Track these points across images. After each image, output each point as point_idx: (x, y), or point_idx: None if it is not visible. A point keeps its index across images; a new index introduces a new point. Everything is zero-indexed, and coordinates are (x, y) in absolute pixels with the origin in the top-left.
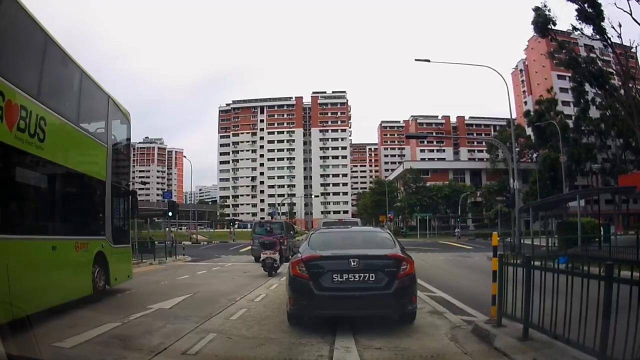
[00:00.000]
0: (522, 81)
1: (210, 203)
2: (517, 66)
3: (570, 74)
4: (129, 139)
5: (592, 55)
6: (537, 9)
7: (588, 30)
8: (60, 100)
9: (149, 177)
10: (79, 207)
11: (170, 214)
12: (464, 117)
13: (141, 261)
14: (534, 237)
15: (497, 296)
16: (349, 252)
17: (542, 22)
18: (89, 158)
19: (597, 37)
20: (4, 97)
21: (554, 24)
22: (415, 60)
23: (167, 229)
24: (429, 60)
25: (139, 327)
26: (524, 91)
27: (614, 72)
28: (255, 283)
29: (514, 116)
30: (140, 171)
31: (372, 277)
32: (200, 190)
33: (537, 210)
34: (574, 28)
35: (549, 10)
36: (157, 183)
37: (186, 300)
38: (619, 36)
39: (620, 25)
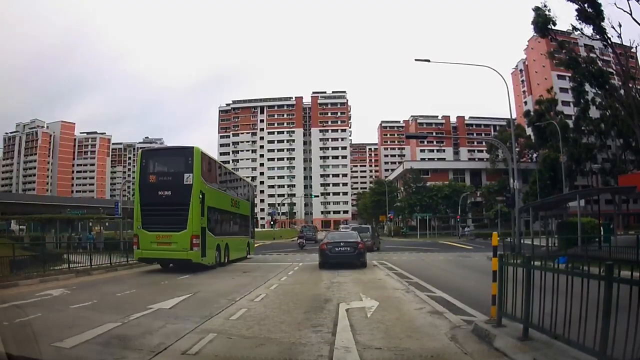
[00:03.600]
0: (522, 81)
1: None
2: (517, 66)
3: (570, 74)
4: (254, 195)
5: (592, 55)
6: (537, 9)
7: (588, 30)
8: (242, 194)
9: None
10: (245, 226)
11: None
12: (463, 117)
13: None
14: (534, 237)
15: (497, 296)
16: (340, 240)
17: (542, 22)
18: (246, 208)
19: (597, 37)
20: (234, 199)
21: (554, 24)
22: (415, 60)
23: None
24: (429, 60)
25: (139, 327)
26: (524, 91)
27: (614, 72)
28: (255, 283)
29: (514, 116)
30: None
31: (348, 249)
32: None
33: (537, 210)
34: (574, 28)
35: (549, 10)
36: None
37: (186, 300)
38: (619, 36)
39: (620, 25)
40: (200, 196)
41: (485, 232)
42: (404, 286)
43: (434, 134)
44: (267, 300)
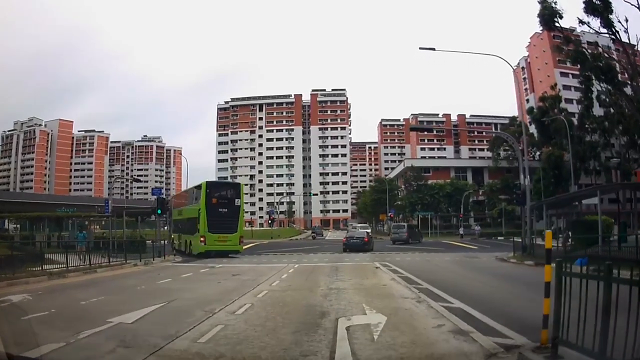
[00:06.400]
0: (524, 79)
1: None
2: (518, 64)
3: (574, 72)
4: None
5: (597, 50)
6: (543, 1)
7: (595, 23)
8: None
9: (147, 175)
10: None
11: (159, 211)
12: (464, 115)
13: (125, 262)
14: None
15: (554, 317)
16: (354, 235)
17: (549, 14)
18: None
19: (604, 31)
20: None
21: (561, 17)
22: (420, 48)
23: (156, 227)
24: (434, 49)
25: (84, 350)
26: (525, 89)
27: (621, 68)
28: (242, 289)
29: (521, 109)
30: (138, 169)
31: (359, 240)
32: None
33: (552, 208)
34: (581, 21)
35: (554, 3)
36: (156, 182)
37: (155, 312)
38: (626, 31)
39: (627, 20)
40: (243, 213)
41: (488, 231)
42: (413, 294)
43: (435, 132)
44: (251, 313)
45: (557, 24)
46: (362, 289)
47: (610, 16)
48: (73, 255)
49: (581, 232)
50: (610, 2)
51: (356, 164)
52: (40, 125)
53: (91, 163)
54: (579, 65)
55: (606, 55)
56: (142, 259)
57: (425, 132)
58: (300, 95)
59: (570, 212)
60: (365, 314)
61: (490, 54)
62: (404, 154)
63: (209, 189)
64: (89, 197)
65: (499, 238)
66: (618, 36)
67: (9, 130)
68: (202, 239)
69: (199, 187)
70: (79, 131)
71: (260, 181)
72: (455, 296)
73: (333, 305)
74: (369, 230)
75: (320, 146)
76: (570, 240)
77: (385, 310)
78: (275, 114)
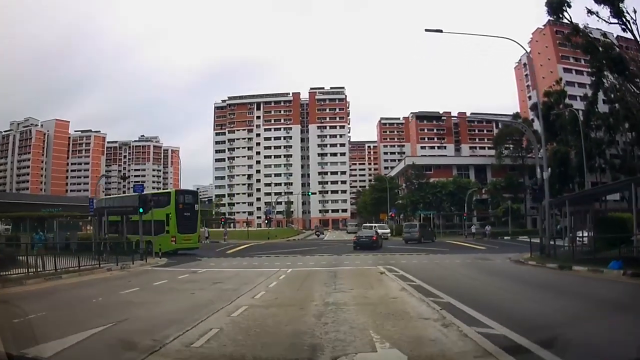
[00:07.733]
0: (526, 75)
1: (207, 202)
2: (520, 60)
3: (577, 67)
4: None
5: (607, 40)
6: None
7: (604, 12)
8: None
9: (144, 175)
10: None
11: (141, 210)
12: (465, 113)
13: (98, 266)
14: (555, 237)
15: None
16: (363, 235)
17: (557, 2)
18: None
19: (614, 20)
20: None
21: (569, 6)
22: (426, 30)
23: (139, 228)
24: (441, 31)
25: None
26: (527, 85)
27: (630, 61)
28: (217, 303)
29: (537, 95)
30: (135, 169)
31: (368, 239)
32: (197, 189)
33: (573, 204)
34: (589, 11)
35: None
36: (153, 182)
37: (90, 340)
38: (634, 23)
39: (635, 11)
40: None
41: (494, 231)
42: (434, 312)
43: (437, 130)
44: (213, 346)
45: (565, 13)
46: (367, 304)
47: (621, 5)
48: (39, 259)
49: (603, 230)
50: None
51: (355, 163)
52: (36, 125)
53: (88, 163)
54: (588, 57)
55: (616, 45)
56: (118, 262)
57: (426, 131)
58: (299, 93)
59: (584, 210)
60: (376, 351)
61: (500, 36)
62: (404, 152)
63: (177, 196)
64: (86, 197)
65: (504, 238)
66: (629, 26)
67: (5, 131)
68: (173, 238)
69: (166, 194)
70: (75, 131)
71: (258, 180)
72: (489, 315)
73: (329, 333)
74: (388, 230)
75: (319, 145)
76: (577, 240)
77: (402, 341)
78: (273, 113)
